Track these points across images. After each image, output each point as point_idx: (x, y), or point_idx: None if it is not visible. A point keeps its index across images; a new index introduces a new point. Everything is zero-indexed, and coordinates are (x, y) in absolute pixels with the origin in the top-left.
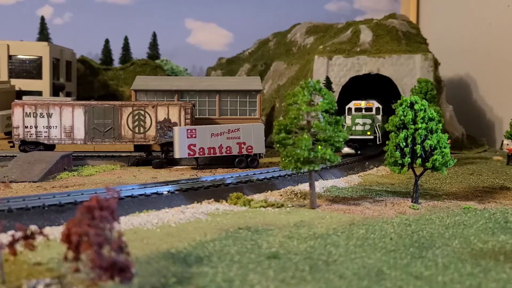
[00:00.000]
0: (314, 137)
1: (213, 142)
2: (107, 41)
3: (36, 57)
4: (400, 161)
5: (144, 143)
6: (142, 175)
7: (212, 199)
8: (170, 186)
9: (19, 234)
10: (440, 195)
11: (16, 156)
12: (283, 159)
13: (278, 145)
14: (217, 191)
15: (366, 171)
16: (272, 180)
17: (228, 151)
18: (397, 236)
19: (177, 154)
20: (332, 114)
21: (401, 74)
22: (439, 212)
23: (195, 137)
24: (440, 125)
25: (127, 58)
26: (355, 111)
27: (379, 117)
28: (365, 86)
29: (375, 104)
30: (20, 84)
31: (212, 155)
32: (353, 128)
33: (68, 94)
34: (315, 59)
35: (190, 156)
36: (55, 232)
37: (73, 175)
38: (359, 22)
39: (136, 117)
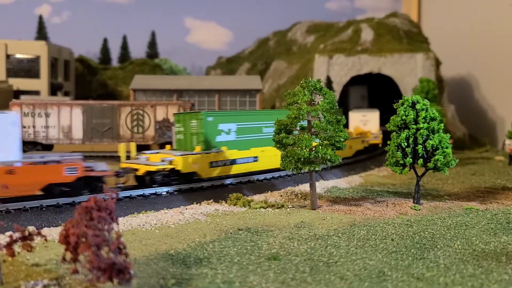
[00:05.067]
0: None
1: None
2: (105, 40)
3: (34, 56)
4: (401, 162)
5: (142, 143)
6: None
7: (212, 200)
8: (169, 186)
9: (17, 235)
10: (442, 195)
11: None
12: (283, 159)
13: (278, 145)
14: (217, 192)
15: (368, 171)
16: (272, 180)
17: None
18: (399, 237)
19: None
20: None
21: (403, 74)
22: (440, 212)
23: None
24: (442, 125)
25: (125, 57)
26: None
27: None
28: (366, 85)
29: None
30: (18, 83)
31: None
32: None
33: (66, 94)
34: (316, 58)
35: None
36: (53, 233)
37: None
38: (360, 21)
39: (135, 116)
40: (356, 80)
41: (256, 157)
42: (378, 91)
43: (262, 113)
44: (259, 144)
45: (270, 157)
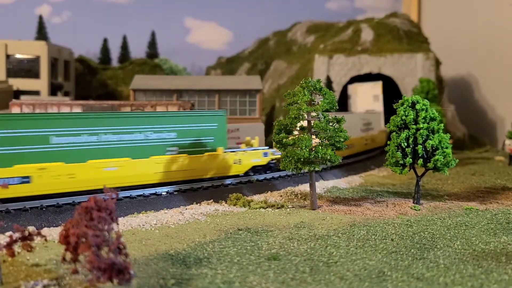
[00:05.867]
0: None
1: None
2: (105, 40)
3: (34, 56)
4: (401, 162)
5: None
6: None
7: (212, 200)
8: (168, 186)
9: (17, 235)
10: (442, 195)
11: None
12: (283, 159)
13: (278, 145)
14: (216, 192)
15: (368, 171)
16: (272, 180)
17: None
18: (398, 237)
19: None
20: None
21: (403, 74)
22: (440, 213)
23: None
24: (442, 125)
25: (125, 57)
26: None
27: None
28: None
29: None
30: (18, 83)
31: None
32: None
33: (66, 94)
34: (316, 58)
35: None
36: (53, 233)
37: None
38: (360, 21)
39: None
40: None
41: (27, 177)
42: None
43: (45, 117)
44: (43, 158)
45: (61, 176)
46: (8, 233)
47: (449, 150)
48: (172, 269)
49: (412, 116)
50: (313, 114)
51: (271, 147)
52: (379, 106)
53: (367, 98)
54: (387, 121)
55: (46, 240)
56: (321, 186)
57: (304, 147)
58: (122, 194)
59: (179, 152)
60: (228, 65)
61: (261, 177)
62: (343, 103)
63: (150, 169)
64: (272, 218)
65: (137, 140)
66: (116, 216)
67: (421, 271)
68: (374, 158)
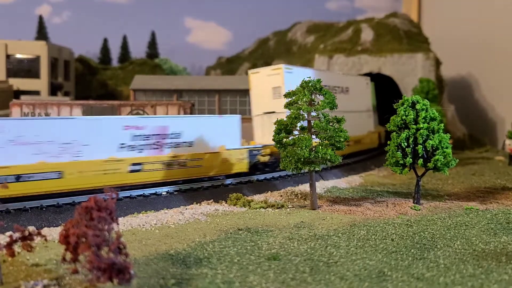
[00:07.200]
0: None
1: None
2: (105, 40)
3: (34, 56)
4: (401, 162)
5: None
6: None
7: (212, 200)
8: (168, 186)
9: (17, 235)
10: (442, 195)
11: None
12: (283, 159)
13: (278, 145)
14: (217, 192)
15: (368, 171)
16: (272, 180)
17: None
18: (399, 237)
19: None
20: None
21: (403, 74)
22: (440, 212)
23: None
24: (442, 125)
25: (125, 57)
26: None
27: None
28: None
29: None
30: (18, 83)
31: None
32: None
33: (66, 94)
34: (316, 58)
35: None
36: (53, 233)
37: None
38: (360, 21)
39: None
40: None
41: None
42: (378, 91)
43: None
44: None
45: None
46: (8, 233)
47: (449, 150)
48: (172, 269)
49: (412, 116)
50: (313, 114)
51: None
52: (281, 105)
53: (265, 93)
54: (387, 120)
55: (46, 240)
56: (321, 186)
57: (304, 147)
58: (122, 194)
59: None
60: (228, 65)
61: (262, 177)
62: None
63: None
64: (272, 218)
65: None
66: (116, 216)
67: (421, 271)
68: (374, 158)
